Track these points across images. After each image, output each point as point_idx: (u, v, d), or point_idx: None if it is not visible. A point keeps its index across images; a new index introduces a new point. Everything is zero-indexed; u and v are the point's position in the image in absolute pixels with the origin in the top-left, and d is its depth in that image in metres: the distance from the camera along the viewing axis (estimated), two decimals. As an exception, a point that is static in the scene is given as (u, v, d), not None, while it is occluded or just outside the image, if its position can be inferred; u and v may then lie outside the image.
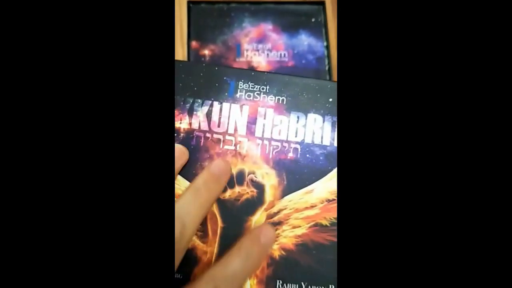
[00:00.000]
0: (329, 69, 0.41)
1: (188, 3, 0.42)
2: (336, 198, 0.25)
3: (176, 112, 0.25)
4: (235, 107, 0.26)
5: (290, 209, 0.25)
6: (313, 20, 0.43)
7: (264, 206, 0.25)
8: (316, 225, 0.25)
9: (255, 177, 0.25)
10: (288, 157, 0.25)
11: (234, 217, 0.25)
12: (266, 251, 0.22)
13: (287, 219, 0.25)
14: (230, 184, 0.25)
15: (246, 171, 0.25)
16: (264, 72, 0.26)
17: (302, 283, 0.24)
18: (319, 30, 0.43)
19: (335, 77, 0.40)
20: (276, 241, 0.24)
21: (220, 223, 0.25)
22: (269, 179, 0.25)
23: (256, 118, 0.26)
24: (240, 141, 0.25)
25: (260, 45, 0.41)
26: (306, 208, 0.25)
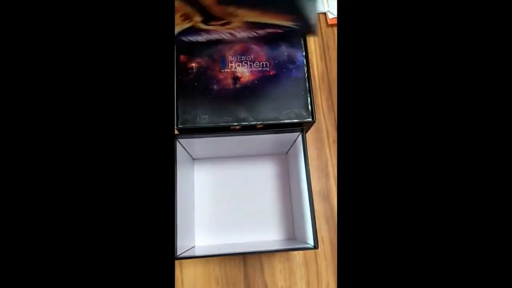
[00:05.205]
0: (308, 76, 0.44)
1: (176, 21, 0.45)
2: None
3: None
4: None
5: None
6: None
7: None
8: None
9: None
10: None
11: None
12: None
13: None
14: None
15: None
16: None
17: None
18: (298, 40, 0.46)
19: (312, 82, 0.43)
20: None
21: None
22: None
23: None
24: None
25: (243, 57, 0.44)
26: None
